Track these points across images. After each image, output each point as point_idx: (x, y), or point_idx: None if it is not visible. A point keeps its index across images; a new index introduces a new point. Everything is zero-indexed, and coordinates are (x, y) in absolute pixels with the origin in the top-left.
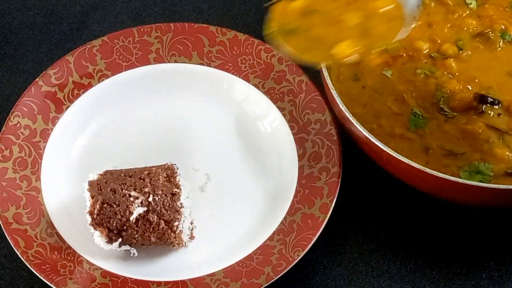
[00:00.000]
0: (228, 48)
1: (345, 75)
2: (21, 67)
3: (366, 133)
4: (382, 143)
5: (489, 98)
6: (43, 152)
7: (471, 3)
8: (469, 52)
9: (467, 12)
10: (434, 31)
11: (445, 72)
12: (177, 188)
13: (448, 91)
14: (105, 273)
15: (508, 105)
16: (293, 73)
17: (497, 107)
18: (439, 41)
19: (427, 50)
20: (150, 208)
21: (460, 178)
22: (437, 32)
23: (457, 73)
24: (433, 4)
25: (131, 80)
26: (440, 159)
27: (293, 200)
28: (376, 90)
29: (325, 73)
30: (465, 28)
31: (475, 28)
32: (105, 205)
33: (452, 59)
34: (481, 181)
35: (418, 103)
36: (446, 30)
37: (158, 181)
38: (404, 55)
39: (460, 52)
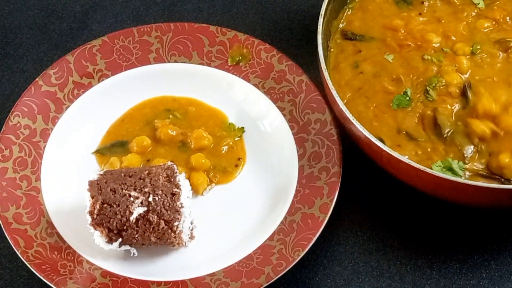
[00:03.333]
0: (228, 48)
1: (345, 64)
2: (21, 66)
3: (366, 133)
4: (366, 126)
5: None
6: (43, 152)
7: (479, 3)
8: (484, 54)
9: (475, 11)
10: (448, 28)
11: (454, 66)
12: (177, 188)
13: (444, 81)
14: (105, 273)
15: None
16: (293, 73)
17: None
18: (453, 38)
19: (438, 44)
20: (150, 208)
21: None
22: (451, 29)
23: (469, 71)
24: (439, 3)
25: (131, 80)
26: (406, 143)
27: (293, 200)
28: (374, 74)
29: (325, 73)
30: (482, 30)
31: (490, 30)
32: (105, 205)
33: (466, 56)
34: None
35: (412, 84)
36: (461, 28)
37: (158, 181)
38: (412, 44)
39: (473, 55)
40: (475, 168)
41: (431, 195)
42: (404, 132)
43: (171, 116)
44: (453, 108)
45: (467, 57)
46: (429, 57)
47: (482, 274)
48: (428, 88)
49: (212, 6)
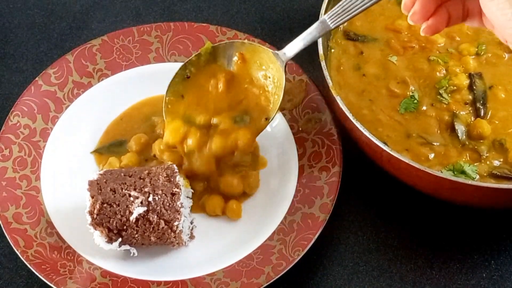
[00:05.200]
0: None
1: (346, 66)
2: (21, 66)
3: (366, 133)
4: (371, 129)
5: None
6: (42, 151)
7: None
8: (489, 54)
9: None
10: (452, 28)
11: (461, 67)
12: (177, 188)
13: (454, 86)
14: (105, 273)
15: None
16: (293, 73)
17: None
18: (458, 39)
19: (443, 44)
20: (150, 207)
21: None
22: (455, 29)
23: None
24: None
25: (131, 80)
26: (418, 148)
27: (293, 200)
28: (377, 76)
29: (325, 72)
30: (486, 30)
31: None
32: (105, 205)
33: (471, 56)
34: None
35: (419, 87)
36: (465, 28)
37: (158, 180)
38: (417, 46)
39: (479, 56)
40: (491, 166)
41: (431, 195)
42: (415, 136)
43: None
44: (470, 112)
45: (473, 57)
46: (435, 58)
47: (482, 274)
48: (440, 91)
49: (212, 5)
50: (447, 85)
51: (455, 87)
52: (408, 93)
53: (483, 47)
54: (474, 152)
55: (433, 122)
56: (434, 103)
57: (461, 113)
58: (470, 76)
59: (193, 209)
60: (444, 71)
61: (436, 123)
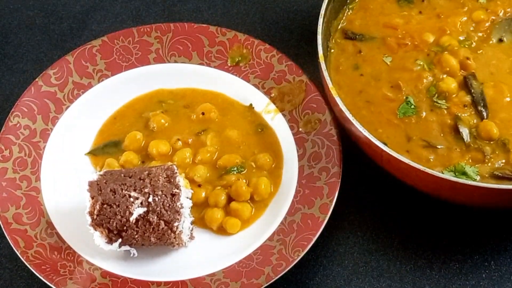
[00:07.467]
0: (228, 48)
1: (345, 66)
2: (21, 67)
3: (366, 133)
4: (370, 130)
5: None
6: (43, 152)
7: None
8: (473, 41)
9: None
10: (446, 23)
11: (446, 69)
12: (177, 189)
13: (445, 91)
14: (105, 273)
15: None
16: (293, 73)
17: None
18: (448, 32)
19: (432, 40)
20: (150, 208)
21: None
22: (449, 24)
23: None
24: (440, 0)
25: (131, 80)
26: (419, 150)
27: (293, 200)
28: (374, 76)
29: (325, 73)
30: (473, 25)
31: (482, 17)
32: (105, 205)
33: (451, 55)
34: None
35: (413, 92)
36: (458, 24)
37: (158, 181)
38: (410, 44)
39: (464, 45)
40: (492, 166)
41: (431, 195)
42: (416, 139)
43: (163, 104)
44: (471, 114)
45: (456, 48)
46: (421, 64)
47: (482, 275)
48: (434, 98)
49: (212, 6)
50: (436, 91)
51: (446, 92)
52: (402, 97)
53: (468, 41)
54: (478, 153)
55: (435, 126)
56: (433, 109)
57: (463, 115)
58: (465, 78)
59: (194, 223)
60: (431, 78)
61: (439, 127)
